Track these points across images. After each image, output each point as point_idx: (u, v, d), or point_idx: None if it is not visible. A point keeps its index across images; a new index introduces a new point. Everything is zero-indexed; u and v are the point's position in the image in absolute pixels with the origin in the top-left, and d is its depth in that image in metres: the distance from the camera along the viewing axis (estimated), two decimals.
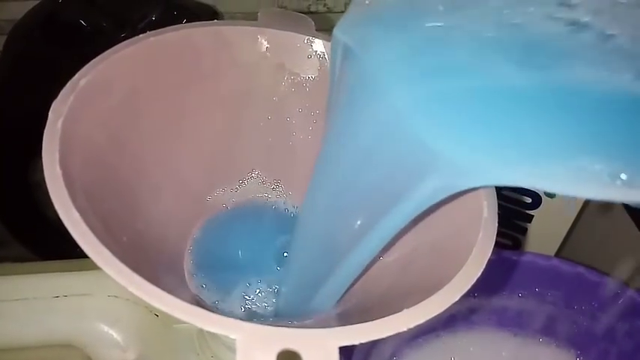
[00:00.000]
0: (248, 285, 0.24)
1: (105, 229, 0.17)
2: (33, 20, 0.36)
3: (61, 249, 0.28)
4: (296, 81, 0.26)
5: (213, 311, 0.14)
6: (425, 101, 0.16)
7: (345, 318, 0.22)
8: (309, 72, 0.26)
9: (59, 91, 0.18)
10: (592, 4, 0.16)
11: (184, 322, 0.14)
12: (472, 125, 0.15)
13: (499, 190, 0.19)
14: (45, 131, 0.17)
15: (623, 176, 0.13)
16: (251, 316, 0.24)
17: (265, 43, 0.25)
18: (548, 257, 0.32)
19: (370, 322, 0.14)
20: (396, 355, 0.32)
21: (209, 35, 0.24)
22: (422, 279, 0.19)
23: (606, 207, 0.37)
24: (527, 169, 0.14)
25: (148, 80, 0.22)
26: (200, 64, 0.24)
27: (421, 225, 0.20)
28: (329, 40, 0.20)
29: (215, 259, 0.25)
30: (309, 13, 0.42)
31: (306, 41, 0.25)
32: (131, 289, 0.14)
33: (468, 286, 0.16)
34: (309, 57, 0.26)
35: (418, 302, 0.15)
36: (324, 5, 0.43)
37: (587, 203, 0.35)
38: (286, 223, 0.26)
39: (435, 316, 0.15)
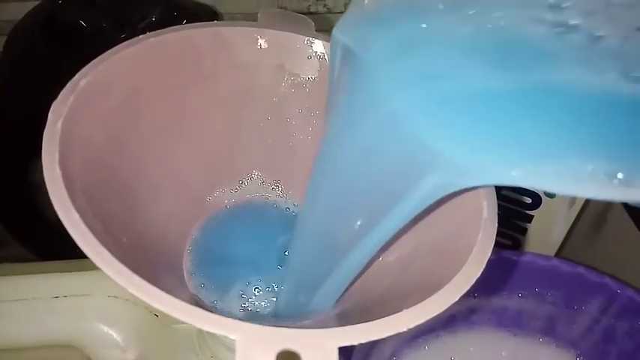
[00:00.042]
0: (247, 284, 0.24)
1: (104, 230, 0.17)
2: (33, 21, 0.36)
3: (60, 249, 0.28)
4: (296, 82, 0.26)
5: (212, 311, 0.14)
6: (425, 101, 0.16)
7: (345, 318, 0.22)
8: (309, 73, 0.26)
9: (59, 92, 0.18)
10: (584, 6, 0.16)
11: (184, 323, 0.14)
12: (472, 125, 0.15)
13: (499, 190, 0.19)
14: (45, 132, 0.17)
15: (620, 175, 0.13)
16: (250, 316, 0.24)
17: (265, 43, 0.25)
18: (548, 257, 0.32)
19: (370, 323, 0.14)
20: (395, 355, 0.32)
21: (209, 36, 0.24)
22: (422, 279, 0.19)
23: (606, 207, 0.37)
24: (526, 169, 0.14)
25: (148, 81, 0.22)
26: (200, 65, 0.24)
27: (421, 225, 0.20)
28: (329, 41, 0.20)
29: (214, 259, 0.25)
30: (308, 13, 0.43)
31: (306, 42, 0.25)
32: (130, 289, 0.14)
33: (468, 287, 0.16)
34: (309, 58, 0.26)
35: (418, 302, 0.15)
36: (324, 6, 0.43)
37: (587, 203, 0.35)
38: (286, 221, 0.26)
39: (435, 317, 0.15)
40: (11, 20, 0.38)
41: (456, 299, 0.15)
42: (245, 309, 0.24)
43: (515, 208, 0.35)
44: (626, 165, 0.14)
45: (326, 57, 0.25)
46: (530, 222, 0.35)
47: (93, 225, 0.15)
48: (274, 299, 0.24)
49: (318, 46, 0.25)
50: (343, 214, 0.20)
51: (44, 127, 0.17)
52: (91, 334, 0.26)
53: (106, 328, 0.26)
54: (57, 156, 0.17)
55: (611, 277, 0.31)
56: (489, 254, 0.17)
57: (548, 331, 0.33)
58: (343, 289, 0.21)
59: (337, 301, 0.22)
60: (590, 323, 0.32)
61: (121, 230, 0.19)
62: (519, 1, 0.17)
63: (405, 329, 0.14)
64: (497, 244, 0.17)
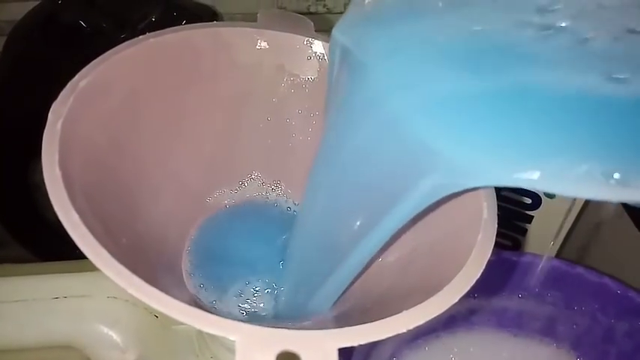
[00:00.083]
0: (247, 284, 0.24)
1: (104, 231, 0.17)
2: (33, 21, 0.36)
3: (60, 250, 0.28)
4: (295, 82, 0.26)
5: (212, 312, 0.14)
6: (424, 101, 0.16)
7: (345, 319, 0.22)
8: (309, 73, 0.26)
9: (59, 92, 0.18)
10: (574, 9, 0.17)
11: (184, 324, 0.14)
12: (472, 125, 0.15)
13: (499, 190, 0.19)
14: (44, 132, 0.17)
15: (617, 175, 0.13)
16: (249, 316, 0.24)
17: (265, 44, 0.25)
18: (548, 258, 0.32)
19: (370, 324, 0.14)
20: (395, 356, 0.32)
21: (208, 36, 0.24)
22: (421, 280, 0.19)
23: (606, 207, 0.37)
24: (526, 169, 0.14)
25: (148, 81, 0.22)
26: (200, 66, 0.24)
27: (421, 226, 0.20)
28: (328, 42, 0.20)
29: (213, 259, 0.25)
30: (308, 14, 0.42)
31: (305, 42, 0.25)
32: (130, 290, 0.14)
33: (468, 287, 0.16)
34: (309, 58, 0.26)
35: (418, 303, 0.15)
36: (324, 6, 0.43)
37: (587, 203, 0.35)
38: (286, 221, 0.26)
39: (435, 317, 0.15)
40: (11, 20, 0.38)
41: (456, 300, 0.15)
42: (244, 309, 0.24)
43: (515, 208, 0.35)
44: (621, 165, 0.14)
45: (326, 57, 0.25)
46: (530, 222, 0.35)
47: (92, 226, 0.15)
48: (273, 299, 0.24)
49: (318, 46, 0.25)
50: (342, 214, 0.20)
51: (44, 128, 0.17)
52: (90, 335, 0.26)
53: (105, 329, 0.26)
54: (57, 157, 0.17)
55: (611, 277, 0.31)
56: (489, 255, 0.17)
57: (548, 331, 0.33)
58: (343, 289, 0.21)
59: (337, 301, 0.22)
60: (590, 323, 0.32)
61: (120, 231, 0.19)
62: (515, 2, 0.17)
63: (404, 330, 0.14)
64: (497, 244, 0.17)
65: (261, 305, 0.24)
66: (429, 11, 0.18)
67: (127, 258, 0.15)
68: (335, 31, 0.19)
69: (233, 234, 0.26)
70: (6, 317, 0.26)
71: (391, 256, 0.22)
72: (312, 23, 0.26)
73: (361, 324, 0.14)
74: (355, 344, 0.14)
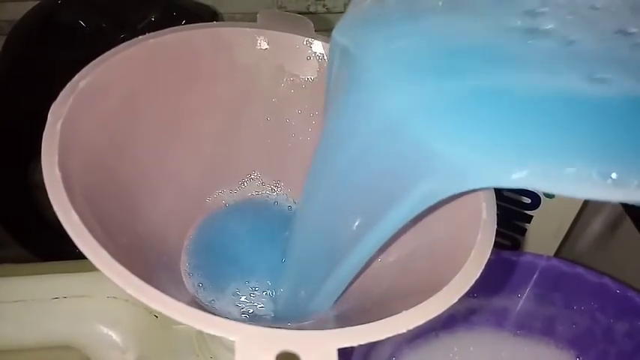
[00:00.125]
0: (246, 283, 0.24)
1: (104, 231, 0.17)
2: (32, 21, 0.36)
3: (60, 250, 0.28)
4: (295, 82, 0.26)
5: (211, 312, 0.14)
6: (424, 102, 0.16)
7: (344, 319, 0.22)
8: (309, 73, 0.26)
9: (58, 93, 0.18)
10: (561, 12, 0.17)
11: (183, 324, 0.14)
12: (472, 126, 0.15)
13: (500, 190, 0.19)
14: (44, 133, 0.17)
15: (614, 175, 0.13)
16: (249, 316, 0.24)
17: (264, 44, 0.25)
18: (547, 257, 0.32)
19: (369, 324, 0.14)
20: (395, 355, 0.32)
21: (208, 37, 0.24)
22: (421, 280, 0.19)
23: (606, 207, 0.37)
24: (525, 170, 0.14)
25: (148, 82, 0.22)
26: (199, 66, 0.24)
27: (420, 226, 0.20)
28: (328, 42, 0.20)
29: (212, 258, 0.25)
30: (308, 14, 0.43)
31: (305, 42, 0.25)
32: (129, 290, 0.14)
33: (468, 287, 0.16)
34: (309, 58, 0.26)
35: (417, 303, 0.15)
36: (324, 6, 0.43)
37: (586, 203, 0.35)
38: (286, 220, 0.26)
39: (435, 317, 0.15)
40: (11, 20, 0.38)
41: (456, 300, 0.15)
42: (243, 309, 0.24)
43: (514, 208, 0.35)
44: (621, 165, 0.14)
45: (325, 58, 0.25)
46: (529, 222, 0.35)
47: (92, 226, 0.15)
48: (273, 299, 0.24)
49: (318, 46, 0.25)
50: (342, 214, 0.20)
51: (44, 128, 0.17)
52: (90, 335, 0.26)
53: (105, 329, 0.26)
54: (56, 157, 0.17)
55: (611, 277, 0.31)
56: (488, 255, 0.17)
57: (548, 331, 0.33)
58: (342, 289, 0.21)
59: (336, 301, 0.22)
60: (589, 323, 0.32)
61: (120, 231, 0.19)
62: (507, 4, 0.18)
63: (404, 330, 0.14)
64: (496, 244, 0.17)
65: (260, 305, 0.24)
66: (429, 12, 0.18)
67: (126, 258, 0.15)
68: (334, 33, 0.19)
69: (232, 234, 0.26)
70: (6, 317, 0.26)
71: (391, 256, 0.22)
72: (312, 23, 0.26)
73: (361, 324, 0.14)
74: (355, 344, 0.14)
